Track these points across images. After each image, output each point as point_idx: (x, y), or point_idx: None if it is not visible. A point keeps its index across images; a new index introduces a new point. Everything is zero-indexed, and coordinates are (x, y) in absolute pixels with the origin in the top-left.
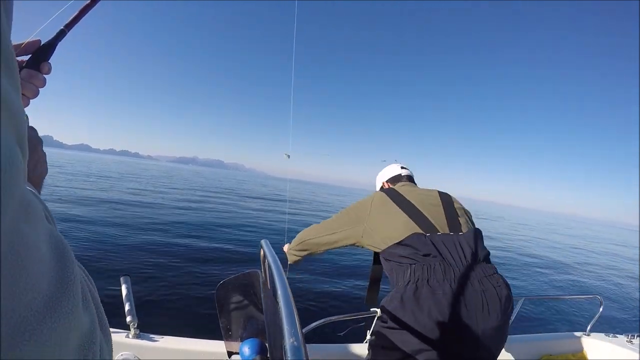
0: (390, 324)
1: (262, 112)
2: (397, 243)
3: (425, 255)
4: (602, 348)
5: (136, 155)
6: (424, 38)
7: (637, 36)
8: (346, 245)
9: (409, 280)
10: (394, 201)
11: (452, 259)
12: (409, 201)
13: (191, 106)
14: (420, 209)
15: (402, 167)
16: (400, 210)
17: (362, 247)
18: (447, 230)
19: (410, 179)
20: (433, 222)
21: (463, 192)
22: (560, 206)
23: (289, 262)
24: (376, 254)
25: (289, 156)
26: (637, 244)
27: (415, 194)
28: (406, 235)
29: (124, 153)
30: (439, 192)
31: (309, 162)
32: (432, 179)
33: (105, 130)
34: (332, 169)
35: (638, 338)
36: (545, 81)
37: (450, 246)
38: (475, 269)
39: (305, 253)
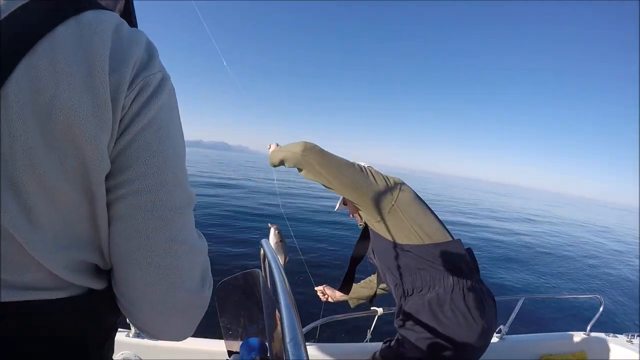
0: (435, 328)
1: (265, 95)
2: (441, 243)
3: (465, 264)
4: (602, 348)
5: None
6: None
7: (637, 30)
8: (353, 201)
9: (454, 287)
10: (419, 197)
11: (474, 269)
12: (427, 204)
13: (193, 89)
14: (436, 214)
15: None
16: (428, 208)
17: (377, 222)
18: (453, 238)
19: None
20: (449, 230)
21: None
22: (561, 186)
23: (271, 161)
24: (365, 230)
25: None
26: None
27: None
28: (449, 240)
29: None
30: None
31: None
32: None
33: None
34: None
35: (638, 338)
36: (541, 64)
37: (471, 257)
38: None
39: (299, 166)
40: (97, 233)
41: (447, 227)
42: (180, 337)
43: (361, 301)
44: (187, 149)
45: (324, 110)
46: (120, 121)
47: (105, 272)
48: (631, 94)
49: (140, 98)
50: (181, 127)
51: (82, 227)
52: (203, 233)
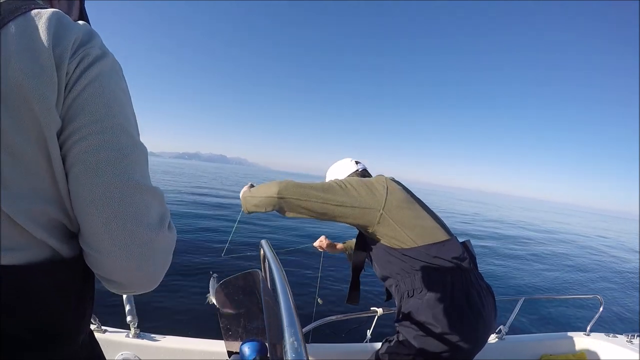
0: (434, 327)
1: (261, 107)
2: (437, 243)
3: (463, 261)
4: (602, 348)
5: None
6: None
7: (636, 27)
8: (345, 223)
9: (454, 285)
10: (409, 195)
11: (472, 265)
12: (420, 199)
13: (192, 102)
14: (433, 211)
15: (356, 162)
16: (421, 207)
17: (369, 232)
18: (450, 236)
19: (367, 172)
20: (445, 226)
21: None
22: (554, 194)
23: (245, 208)
24: (360, 237)
25: None
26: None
27: (414, 193)
28: (445, 239)
29: None
30: None
31: (285, 152)
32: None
33: None
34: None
35: (638, 338)
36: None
37: (468, 253)
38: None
39: (278, 209)
40: (57, 188)
41: (444, 222)
42: (147, 283)
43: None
44: (185, 161)
45: (327, 120)
46: (66, 84)
47: (75, 241)
48: (631, 96)
49: (82, 65)
50: (127, 93)
51: (44, 182)
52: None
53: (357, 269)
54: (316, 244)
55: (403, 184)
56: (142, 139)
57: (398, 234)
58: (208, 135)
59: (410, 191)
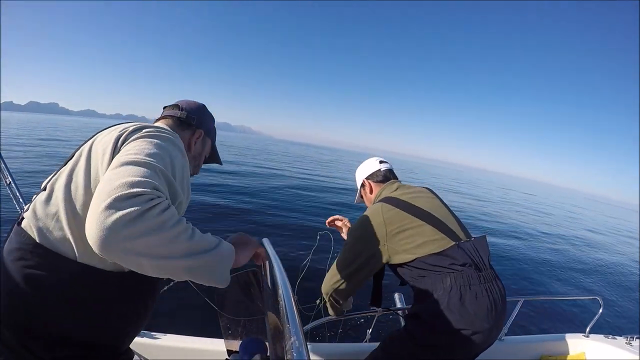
0: (432, 326)
1: (265, 75)
2: (434, 254)
3: (462, 265)
4: (601, 349)
5: (143, 118)
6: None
7: (636, 17)
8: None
9: (452, 288)
10: (407, 212)
11: (480, 265)
12: (421, 209)
13: (195, 68)
14: (437, 216)
15: (380, 162)
16: (420, 221)
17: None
18: (463, 236)
19: (391, 172)
20: (453, 229)
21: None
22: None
23: (335, 314)
24: None
25: None
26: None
27: (420, 198)
28: (443, 248)
29: (131, 117)
30: (429, 190)
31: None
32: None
33: (111, 96)
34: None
35: (637, 340)
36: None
37: (476, 254)
38: (491, 272)
39: (346, 300)
40: None
41: (446, 226)
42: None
43: None
44: None
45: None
46: None
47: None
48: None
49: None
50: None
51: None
52: None
53: (377, 276)
54: (339, 224)
55: (404, 186)
56: (145, 103)
57: (402, 256)
58: (211, 103)
59: (408, 202)
